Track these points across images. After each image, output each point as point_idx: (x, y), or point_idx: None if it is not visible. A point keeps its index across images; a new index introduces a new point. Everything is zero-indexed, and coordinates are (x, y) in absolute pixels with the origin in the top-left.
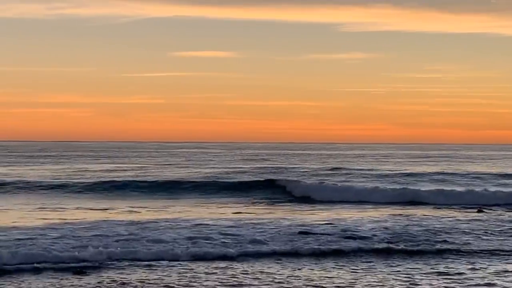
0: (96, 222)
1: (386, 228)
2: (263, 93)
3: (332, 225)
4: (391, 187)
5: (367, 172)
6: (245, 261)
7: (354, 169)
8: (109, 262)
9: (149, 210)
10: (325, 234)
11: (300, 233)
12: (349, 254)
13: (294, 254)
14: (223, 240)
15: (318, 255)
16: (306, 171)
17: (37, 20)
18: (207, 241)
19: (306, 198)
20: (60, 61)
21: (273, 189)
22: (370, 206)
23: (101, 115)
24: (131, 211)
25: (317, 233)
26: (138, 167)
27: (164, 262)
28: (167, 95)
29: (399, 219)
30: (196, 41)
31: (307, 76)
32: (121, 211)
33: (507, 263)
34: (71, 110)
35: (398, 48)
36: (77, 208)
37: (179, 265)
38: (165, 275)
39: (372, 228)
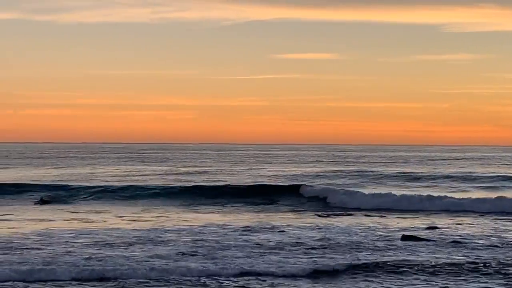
0: (207, 227)
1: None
2: (365, 94)
3: (430, 231)
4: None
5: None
6: (380, 272)
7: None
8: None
9: (249, 215)
10: (432, 240)
11: (404, 238)
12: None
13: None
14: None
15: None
16: (377, 174)
17: (142, 24)
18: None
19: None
20: (164, 64)
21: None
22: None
23: (205, 118)
24: (224, 216)
25: (424, 239)
26: (237, 170)
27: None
28: (270, 97)
29: (497, 227)
30: (298, 43)
31: (409, 77)
32: (217, 216)
33: None
34: (175, 112)
35: (504, 49)
36: (179, 212)
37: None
38: None
39: (480, 238)
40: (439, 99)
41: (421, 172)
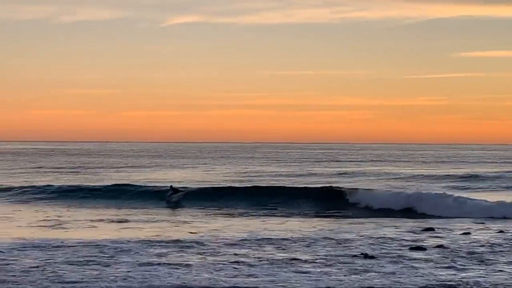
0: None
1: None
2: None
3: None
4: None
5: None
6: None
7: None
8: None
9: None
10: None
11: None
12: None
13: None
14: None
15: None
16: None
17: (322, 24)
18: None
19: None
20: (344, 64)
21: None
22: None
23: (384, 118)
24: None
25: None
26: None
27: None
28: (451, 96)
29: None
30: (481, 41)
31: None
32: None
33: None
34: (354, 112)
35: None
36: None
37: None
38: None
39: None
40: None
41: None
